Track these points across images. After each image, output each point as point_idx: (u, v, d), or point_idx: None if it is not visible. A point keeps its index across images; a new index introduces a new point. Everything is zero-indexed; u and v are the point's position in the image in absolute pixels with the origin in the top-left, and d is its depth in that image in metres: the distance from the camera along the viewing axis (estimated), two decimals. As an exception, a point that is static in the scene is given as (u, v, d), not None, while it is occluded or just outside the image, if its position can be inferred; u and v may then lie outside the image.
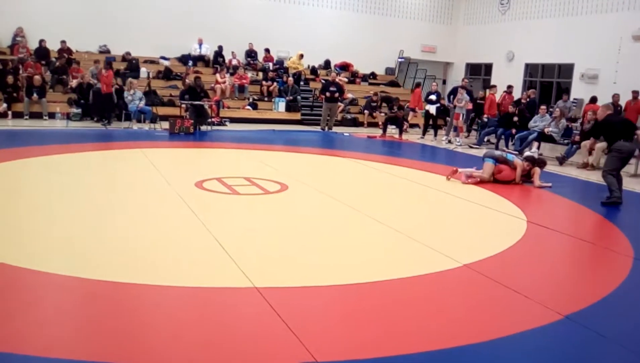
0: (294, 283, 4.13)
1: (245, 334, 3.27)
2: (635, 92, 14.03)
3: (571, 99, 17.48)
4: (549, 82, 19.14)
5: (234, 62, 18.30)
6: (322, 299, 3.93)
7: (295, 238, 5.45)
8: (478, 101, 15.31)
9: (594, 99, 14.68)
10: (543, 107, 13.65)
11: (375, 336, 3.36)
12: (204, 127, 14.00)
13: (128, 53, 16.92)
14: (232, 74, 17.50)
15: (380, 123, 16.81)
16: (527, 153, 11.40)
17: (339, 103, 16.88)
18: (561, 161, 11.96)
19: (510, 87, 15.84)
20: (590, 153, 11.59)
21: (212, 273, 4.23)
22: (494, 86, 16.19)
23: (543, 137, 13.07)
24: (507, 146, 13.77)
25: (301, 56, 18.93)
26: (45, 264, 4.10)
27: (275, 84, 17.93)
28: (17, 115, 13.60)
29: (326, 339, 3.27)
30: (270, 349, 3.12)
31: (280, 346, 3.15)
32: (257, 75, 18.47)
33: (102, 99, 13.64)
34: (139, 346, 3.07)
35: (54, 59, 15.63)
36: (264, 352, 3.08)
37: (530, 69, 19.61)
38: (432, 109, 15.47)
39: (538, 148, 13.03)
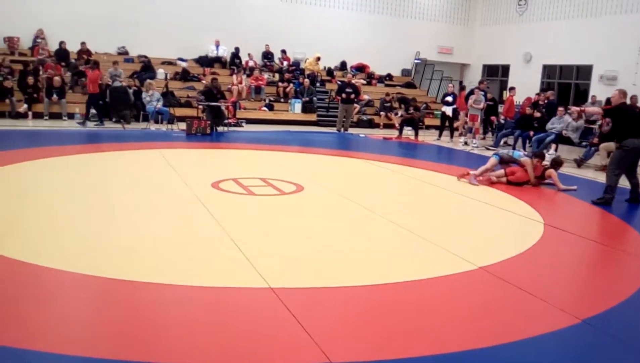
0: (309, 283, 4.14)
1: (259, 334, 3.29)
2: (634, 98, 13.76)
3: (589, 100, 17.30)
4: (567, 84, 18.96)
5: (251, 63, 18.39)
6: (336, 300, 3.93)
7: (310, 238, 5.46)
8: (488, 103, 15.22)
9: (608, 101, 14.51)
10: (561, 108, 13.52)
11: (390, 338, 3.36)
12: (220, 128, 14.08)
13: (144, 56, 17.07)
14: (248, 76, 17.59)
15: (396, 125, 16.78)
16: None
17: (355, 105, 16.87)
18: (579, 163, 11.83)
19: (593, 97, 15.50)
20: (608, 156, 11.44)
21: (228, 273, 4.25)
22: (513, 88, 16.08)
23: (561, 139, 12.94)
24: (524, 148, 13.66)
25: (318, 59, 18.94)
26: (60, 262, 4.15)
27: (291, 85, 17.98)
28: (37, 115, 13.80)
29: (340, 340, 3.28)
30: (285, 350, 3.13)
31: (294, 346, 3.16)
32: (273, 76, 18.53)
33: (97, 97, 13.77)
34: (153, 345, 3.09)
35: (73, 61, 15.82)
36: (278, 352, 3.10)
37: (548, 71, 19.44)
38: (448, 110, 15.40)
39: (556, 150, 12.92)
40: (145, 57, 17.05)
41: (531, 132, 13.51)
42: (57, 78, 14.02)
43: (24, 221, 5.32)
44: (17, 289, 3.72)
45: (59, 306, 3.53)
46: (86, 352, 2.96)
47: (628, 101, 14.12)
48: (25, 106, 13.75)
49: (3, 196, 6.19)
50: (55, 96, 13.86)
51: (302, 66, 19.28)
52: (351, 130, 16.14)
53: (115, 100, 14.12)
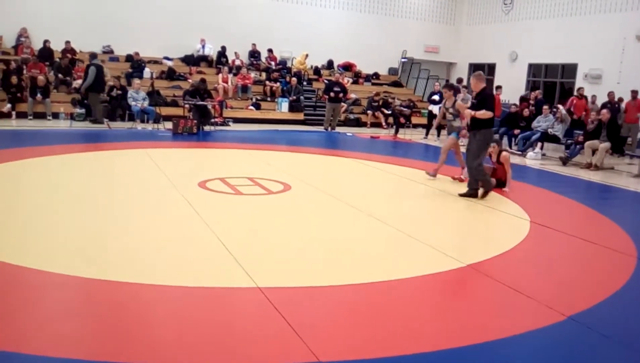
0: (297, 283, 4.14)
1: (248, 334, 3.27)
2: (634, 92, 13.99)
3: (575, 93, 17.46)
4: (552, 83, 19.12)
5: (237, 62, 18.33)
6: (325, 299, 3.93)
7: (298, 238, 5.46)
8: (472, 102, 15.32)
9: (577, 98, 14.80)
10: (546, 107, 13.64)
11: (379, 336, 3.36)
12: (207, 128, 14.01)
13: (137, 53, 16.95)
14: (235, 74, 17.53)
15: (383, 124, 16.90)
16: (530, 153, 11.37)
17: (342, 103, 16.89)
18: (565, 161, 11.94)
19: (580, 89, 15.46)
20: (593, 154, 11.57)
21: (215, 273, 4.23)
22: (500, 87, 16.21)
23: (546, 137, 13.05)
24: (510, 146, 13.76)
25: (306, 56, 18.95)
26: (47, 264, 4.11)
27: (278, 84, 17.94)
28: (21, 115, 13.64)
29: (329, 339, 3.28)
30: (273, 349, 3.12)
31: (283, 346, 3.15)
32: (260, 75, 18.49)
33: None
34: (142, 345, 3.07)
35: (57, 60, 15.67)
36: (266, 351, 3.09)
37: (534, 69, 19.59)
38: (435, 109, 15.46)
39: (541, 148, 13.03)
40: (137, 54, 16.94)
41: (516, 131, 13.62)
42: (41, 77, 13.87)
43: (9, 222, 5.26)
44: (2, 291, 3.67)
45: (45, 307, 3.49)
46: (74, 353, 2.93)
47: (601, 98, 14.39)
48: (9, 105, 13.58)
49: (-14, 197, 6.11)
50: (39, 96, 13.70)
51: (289, 64, 19.25)
52: (338, 129, 16.16)
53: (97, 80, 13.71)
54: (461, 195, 7.56)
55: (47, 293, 3.74)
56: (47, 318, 3.33)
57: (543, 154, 12.95)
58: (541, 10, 18.94)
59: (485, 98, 7.41)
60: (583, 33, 17.34)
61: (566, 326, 3.66)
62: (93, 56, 14.20)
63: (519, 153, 13.15)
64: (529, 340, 3.47)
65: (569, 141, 12.71)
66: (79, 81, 14.65)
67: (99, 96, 13.92)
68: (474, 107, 7.41)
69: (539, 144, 12.99)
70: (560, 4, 18.23)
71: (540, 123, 13.24)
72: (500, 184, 8.25)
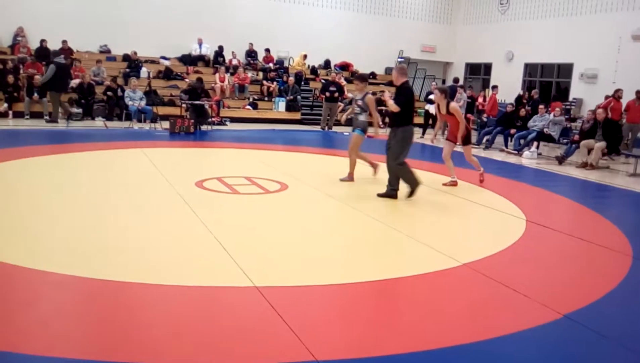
0: (294, 282, 4.15)
1: (245, 333, 3.29)
2: (639, 92, 13.95)
3: (570, 98, 17.54)
4: (548, 82, 19.17)
5: (234, 62, 18.32)
6: (322, 298, 3.94)
7: (295, 237, 5.47)
8: (467, 100, 15.45)
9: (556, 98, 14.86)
10: (542, 106, 13.67)
11: (375, 335, 3.38)
12: (204, 127, 14.02)
13: (134, 52, 16.91)
14: (232, 74, 17.52)
15: (380, 123, 16.86)
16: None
17: (339, 103, 16.90)
18: (560, 160, 11.98)
19: (619, 91, 14.63)
20: (589, 153, 11.60)
21: (212, 272, 4.24)
22: (496, 86, 16.26)
23: (542, 136, 13.09)
24: (506, 145, 13.80)
25: (305, 57, 18.95)
26: (44, 263, 4.11)
27: (275, 83, 17.94)
28: (18, 115, 13.63)
29: (326, 338, 3.29)
30: (270, 348, 3.13)
31: (280, 345, 3.16)
32: (257, 75, 18.48)
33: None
34: (139, 345, 3.08)
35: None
36: (263, 350, 3.10)
37: (530, 69, 19.65)
38: (432, 108, 15.47)
39: (537, 147, 13.07)
40: (135, 53, 16.90)
41: (512, 130, 13.66)
42: (37, 77, 13.84)
43: (5, 222, 5.25)
44: (0, 291, 3.68)
45: (42, 307, 3.50)
46: (70, 353, 2.94)
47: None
48: (6, 105, 13.56)
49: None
50: (36, 95, 13.68)
51: (287, 64, 19.24)
52: (335, 128, 16.17)
53: (57, 78, 13.41)
54: (380, 195, 7.14)
55: (44, 293, 3.74)
56: (45, 318, 3.34)
57: (539, 154, 12.99)
58: (537, 10, 18.99)
59: (401, 92, 7.00)
60: (579, 33, 17.39)
61: (562, 324, 3.68)
62: (55, 53, 14.12)
63: (515, 152, 13.19)
64: (525, 338, 3.48)
65: (565, 140, 12.77)
66: (77, 81, 14.64)
67: (59, 95, 13.60)
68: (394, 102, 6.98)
69: (535, 143, 13.03)
70: (556, 3, 18.28)
71: (536, 123, 13.27)
72: (465, 142, 8.10)
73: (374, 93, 18.10)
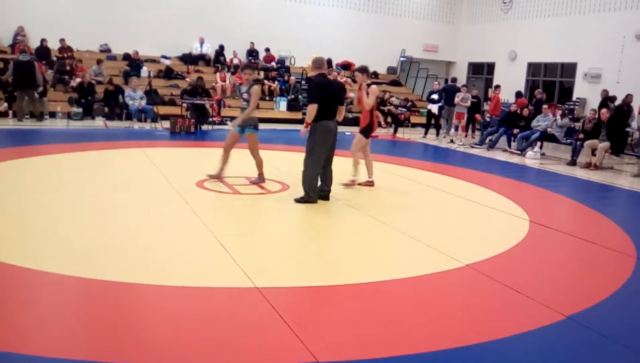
0: (295, 283, 4.11)
1: (246, 334, 3.25)
2: None
3: (574, 98, 17.48)
4: (551, 82, 19.10)
5: (235, 61, 18.29)
6: (323, 299, 3.90)
7: (296, 237, 5.43)
8: (472, 100, 15.41)
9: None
10: (545, 106, 13.61)
11: (377, 336, 3.33)
12: (204, 127, 13.98)
13: (136, 52, 16.87)
14: (233, 73, 17.48)
15: (382, 123, 16.85)
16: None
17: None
18: (572, 163, 11.82)
19: (628, 96, 14.60)
20: (593, 153, 11.54)
21: (213, 273, 4.20)
22: (499, 86, 16.21)
23: (545, 136, 13.03)
24: (509, 145, 13.74)
25: None
26: (44, 263, 4.08)
27: (276, 83, 17.90)
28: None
29: (327, 339, 3.25)
30: (271, 349, 3.10)
31: (281, 346, 3.13)
32: (258, 74, 18.43)
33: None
34: (139, 346, 3.05)
35: (55, 58, 15.61)
36: (264, 351, 3.06)
37: (533, 68, 19.57)
38: (434, 108, 15.45)
39: (541, 147, 13.00)
40: (137, 53, 16.87)
41: (516, 130, 13.60)
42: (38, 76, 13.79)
43: (6, 221, 5.22)
44: (1, 291, 3.64)
45: (42, 308, 3.46)
46: (71, 354, 2.91)
47: (616, 99, 14.31)
48: (6, 104, 13.52)
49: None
50: (36, 95, 13.63)
51: (288, 63, 19.19)
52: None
53: (18, 76, 13.14)
54: (297, 201, 6.60)
55: (45, 293, 3.70)
56: (45, 319, 3.30)
57: (542, 154, 12.93)
58: (540, 9, 18.91)
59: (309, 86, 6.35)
60: (582, 32, 17.31)
61: (565, 326, 3.64)
62: (21, 51, 14.02)
63: (518, 152, 13.13)
64: (528, 340, 3.44)
65: (569, 141, 12.70)
66: (78, 80, 14.61)
67: (23, 93, 13.23)
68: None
69: (538, 143, 12.96)
70: (559, 3, 18.21)
71: (540, 123, 13.21)
72: (364, 132, 7.42)
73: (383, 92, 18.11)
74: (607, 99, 14.78)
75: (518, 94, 16.61)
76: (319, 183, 6.75)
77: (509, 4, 20.12)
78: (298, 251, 4.99)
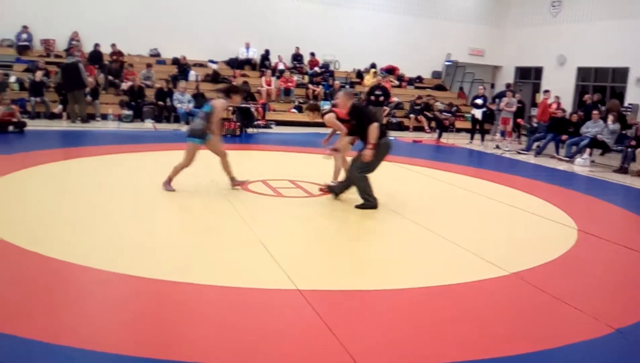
0: (337, 286, 4.13)
1: (286, 336, 3.29)
2: None
3: (626, 103, 16.91)
4: (602, 87, 18.53)
5: (280, 65, 18.47)
6: (365, 303, 3.90)
7: (338, 241, 5.45)
8: (517, 105, 15.15)
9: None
10: (596, 112, 13.22)
11: (417, 342, 3.32)
12: (249, 130, 14.17)
13: (184, 57, 17.24)
14: (278, 77, 17.66)
15: (426, 128, 16.74)
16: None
17: (385, 107, 16.80)
18: (623, 170, 11.46)
19: None
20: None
21: (255, 274, 4.26)
22: (548, 91, 15.84)
23: (595, 143, 12.65)
24: (557, 151, 13.42)
25: (375, 73, 18.83)
26: (93, 261, 4.22)
27: (321, 87, 17.99)
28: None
29: (368, 343, 3.25)
30: (311, 353, 3.12)
31: (321, 350, 3.15)
32: (303, 78, 18.57)
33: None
34: (182, 343, 3.12)
35: (107, 62, 16.12)
36: (305, 354, 3.09)
37: (583, 73, 19.03)
38: (479, 113, 15.21)
39: (590, 154, 12.63)
40: (184, 57, 17.24)
41: (564, 136, 13.26)
42: (90, 80, 14.28)
43: (57, 219, 5.42)
44: (50, 285, 3.79)
45: (87, 303, 3.60)
46: (111, 348, 3.01)
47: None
48: (60, 106, 14.04)
49: (39, 195, 6.32)
50: (88, 97, 14.11)
51: (332, 68, 19.25)
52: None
53: (65, 79, 13.63)
54: (358, 207, 6.61)
55: (91, 289, 3.84)
56: (89, 313, 3.43)
57: (592, 161, 12.56)
58: (591, 12, 18.38)
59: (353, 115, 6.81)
60: (634, 36, 16.72)
61: (614, 339, 3.54)
62: (68, 54, 14.43)
63: (567, 159, 12.80)
64: (574, 352, 3.36)
65: (620, 147, 12.31)
66: (129, 83, 15.06)
67: (73, 94, 13.60)
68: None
69: (588, 150, 12.59)
70: (611, 6, 17.65)
71: (589, 129, 12.84)
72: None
73: (420, 97, 17.97)
74: None
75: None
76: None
77: (558, 7, 19.64)
78: (340, 254, 5.01)
